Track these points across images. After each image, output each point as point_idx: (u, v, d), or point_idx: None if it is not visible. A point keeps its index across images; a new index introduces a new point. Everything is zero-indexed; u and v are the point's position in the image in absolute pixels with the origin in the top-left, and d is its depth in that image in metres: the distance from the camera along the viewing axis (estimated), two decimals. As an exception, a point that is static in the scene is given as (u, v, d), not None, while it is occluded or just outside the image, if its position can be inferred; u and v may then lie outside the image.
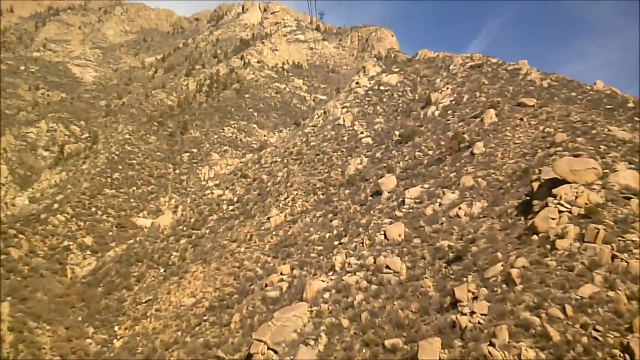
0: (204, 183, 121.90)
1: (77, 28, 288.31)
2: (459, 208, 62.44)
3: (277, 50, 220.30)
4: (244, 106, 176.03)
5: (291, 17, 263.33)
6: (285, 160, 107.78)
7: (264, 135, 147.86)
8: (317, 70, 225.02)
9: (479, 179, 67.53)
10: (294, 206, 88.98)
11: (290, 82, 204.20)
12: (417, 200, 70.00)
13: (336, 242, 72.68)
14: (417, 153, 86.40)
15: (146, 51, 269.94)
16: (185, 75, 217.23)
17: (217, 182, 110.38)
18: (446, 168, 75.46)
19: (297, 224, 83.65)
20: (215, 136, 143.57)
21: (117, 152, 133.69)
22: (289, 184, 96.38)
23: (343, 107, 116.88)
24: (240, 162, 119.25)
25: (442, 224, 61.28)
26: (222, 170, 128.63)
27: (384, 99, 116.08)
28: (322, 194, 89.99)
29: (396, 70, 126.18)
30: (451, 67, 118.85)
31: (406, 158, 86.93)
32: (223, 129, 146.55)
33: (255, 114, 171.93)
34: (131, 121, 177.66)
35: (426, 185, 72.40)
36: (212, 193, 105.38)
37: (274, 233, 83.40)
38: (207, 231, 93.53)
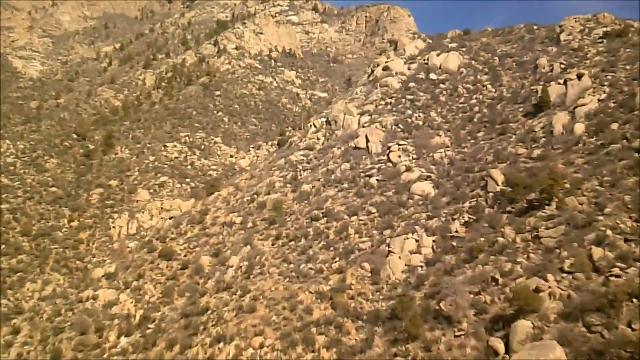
0: (112, 249, 64.59)
1: (26, 13, 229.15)
2: None
3: (262, 33, 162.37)
4: (211, 107, 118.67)
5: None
6: (250, 225, 50.61)
7: (231, 156, 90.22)
8: (314, 60, 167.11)
9: None
10: (253, 391, 31.81)
11: (279, 74, 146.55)
12: None
13: None
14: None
15: (105, 39, 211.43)
16: (143, 67, 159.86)
17: (113, 268, 52.73)
18: None
19: None
20: (152, 158, 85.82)
21: (-21, 190, 76.18)
22: (247, 301, 39.07)
23: (363, 113, 59.41)
24: (170, 218, 61.56)
25: None
26: (153, 220, 71.33)
27: (442, 97, 58.43)
28: (334, 347, 32.87)
29: (453, 46, 68.50)
30: (563, 37, 61.32)
31: (562, 254, 29.60)
32: (166, 146, 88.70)
33: (226, 118, 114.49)
34: (58, 129, 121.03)
35: None
36: (93, 299, 48.02)
37: None
38: None
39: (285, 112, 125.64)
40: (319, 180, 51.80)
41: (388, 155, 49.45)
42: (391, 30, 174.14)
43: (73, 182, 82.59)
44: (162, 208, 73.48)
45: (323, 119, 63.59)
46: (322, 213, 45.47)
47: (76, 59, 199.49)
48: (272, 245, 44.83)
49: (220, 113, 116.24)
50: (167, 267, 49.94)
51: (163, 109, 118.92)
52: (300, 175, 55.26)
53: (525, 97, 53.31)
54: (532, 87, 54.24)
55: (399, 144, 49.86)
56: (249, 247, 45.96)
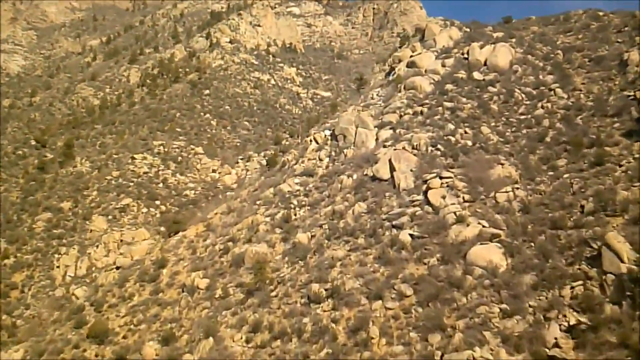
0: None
1: (10, 4, 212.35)
2: None
3: (259, 25, 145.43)
4: (198, 109, 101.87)
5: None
6: (219, 293, 33.87)
7: (213, 170, 73.33)
8: (317, 55, 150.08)
9: None
10: None
11: (278, 71, 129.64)
12: None
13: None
14: None
15: (92, 32, 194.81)
16: (128, 63, 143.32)
17: (20, 354, 36.00)
18: None
19: None
20: (116, 173, 69.00)
21: None
22: None
23: (382, 126, 42.51)
24: (117, 268, 44.94)
25: None
26: (109, 256, 54.91)
27: (493, 105, 41.34)
28: None
29: (499, 36, 51.52)
30: (658, 22, 44.31)
31: None
32: (134, 159, 71.81)
33: (214, 122, 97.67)
34: (26, 132, 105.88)
35: None
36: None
37: None
38: None
39: (283, 114, 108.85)
40: (321, 226, 34.98)
41: (426, 193, 32.53)
42: (401, 23, 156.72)
43: (17, 204, 65.92)
44: (121, 241, 57.01)
45: (327, 132, 46.68)
46: (326, 290, 28.66)
47: (60, 53, 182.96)
48: (247, 343, 28.02)
49: (207, 115, 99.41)
50: (96, 355, 33.30)
51: (143, 110, 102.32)
52: (295, 214, 38.46)
53: (619, 108, 36.26)
54: (627, 93, 37.31)
55: (441, 177, 32.89)
56: (211, 340, 29.21)
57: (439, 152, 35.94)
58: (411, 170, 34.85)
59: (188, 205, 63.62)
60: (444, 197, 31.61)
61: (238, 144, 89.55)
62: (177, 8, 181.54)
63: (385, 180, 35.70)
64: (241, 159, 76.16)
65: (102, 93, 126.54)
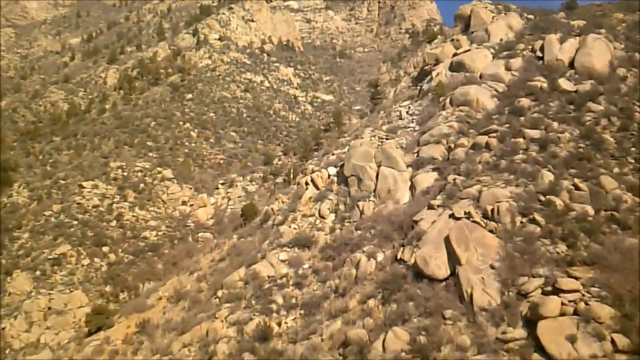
0: None
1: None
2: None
3: (253, 21, 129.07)
4: (177, 116, 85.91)
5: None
6: None
7: (183, 202, 56.47)
8: (317, 54, 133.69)
9: None
10: None
11: (273, 71, 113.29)
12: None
13: None
14: None
15: (74, 30, 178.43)
16: (107, 63, 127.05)
17: None
18: None
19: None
20: (58, 207, 52.53)
21: None
22: None
23: (421, 165, 26.23)
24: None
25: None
26: (31, 332, 38.82)
27: (605, 134, 25.06)
28: None
29: (582, 25, 35.08)
30: None
31: None
32: (82, 187, 55.21)
33: (195, 132, 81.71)
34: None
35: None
36: None
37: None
38: None
39: (278, 122, 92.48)
40: (324, 369, 18.64)
41: (532, 325, 16.10)
42: (410, 18, 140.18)
43: None
44: (49, 308, 40.86)
45: (331, 170, 30.21)
46: None
47: (38, 52, 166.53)
48: None
49: (187, 125, 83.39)
50: None
51: (113, 118, 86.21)
52: (279, 325, 22.12)
53: None
54: None
55: (557, 289, 16.48)
56: None
57: (538, 229, 19.39)
58: (492, 268, 18.36)
59: (146, 252, 47.35)
60: (572, 340, 15.20)
61: (221, 161, 73.27)
62: (164, 3, 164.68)
63: (441, 281, 19.24)
64: (222, 183, 59.66)
65: (74, 97, 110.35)
